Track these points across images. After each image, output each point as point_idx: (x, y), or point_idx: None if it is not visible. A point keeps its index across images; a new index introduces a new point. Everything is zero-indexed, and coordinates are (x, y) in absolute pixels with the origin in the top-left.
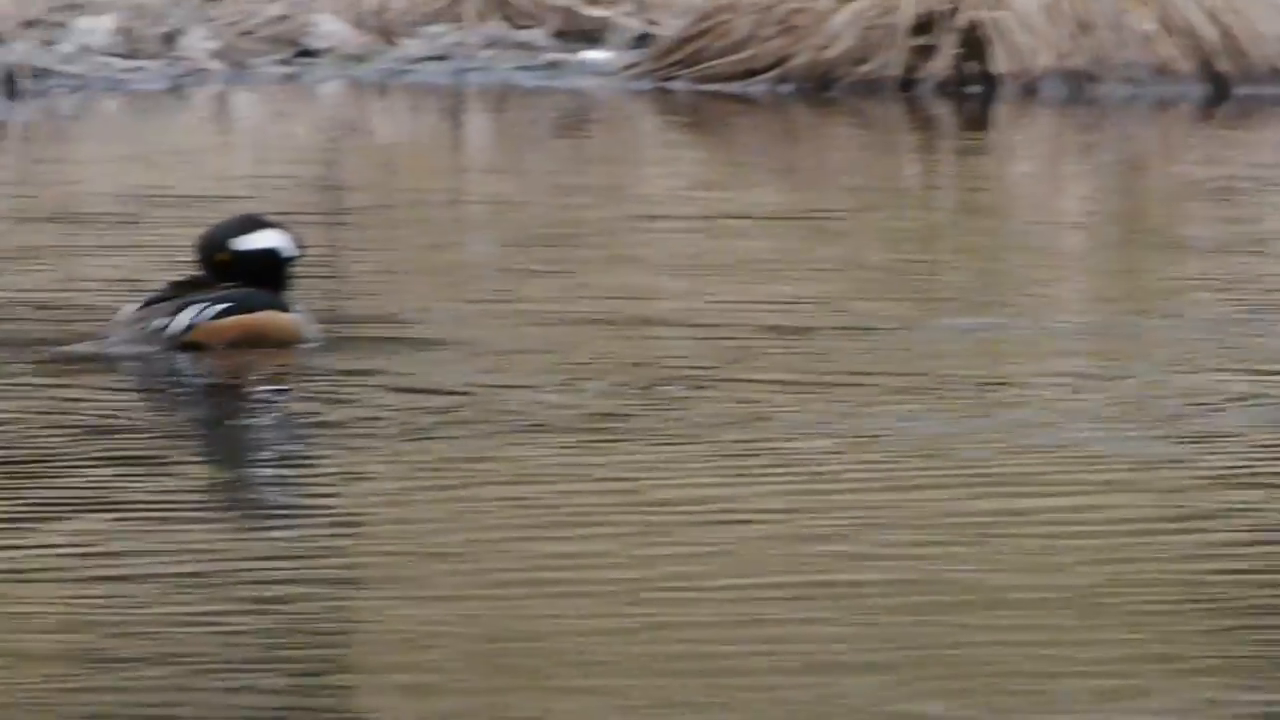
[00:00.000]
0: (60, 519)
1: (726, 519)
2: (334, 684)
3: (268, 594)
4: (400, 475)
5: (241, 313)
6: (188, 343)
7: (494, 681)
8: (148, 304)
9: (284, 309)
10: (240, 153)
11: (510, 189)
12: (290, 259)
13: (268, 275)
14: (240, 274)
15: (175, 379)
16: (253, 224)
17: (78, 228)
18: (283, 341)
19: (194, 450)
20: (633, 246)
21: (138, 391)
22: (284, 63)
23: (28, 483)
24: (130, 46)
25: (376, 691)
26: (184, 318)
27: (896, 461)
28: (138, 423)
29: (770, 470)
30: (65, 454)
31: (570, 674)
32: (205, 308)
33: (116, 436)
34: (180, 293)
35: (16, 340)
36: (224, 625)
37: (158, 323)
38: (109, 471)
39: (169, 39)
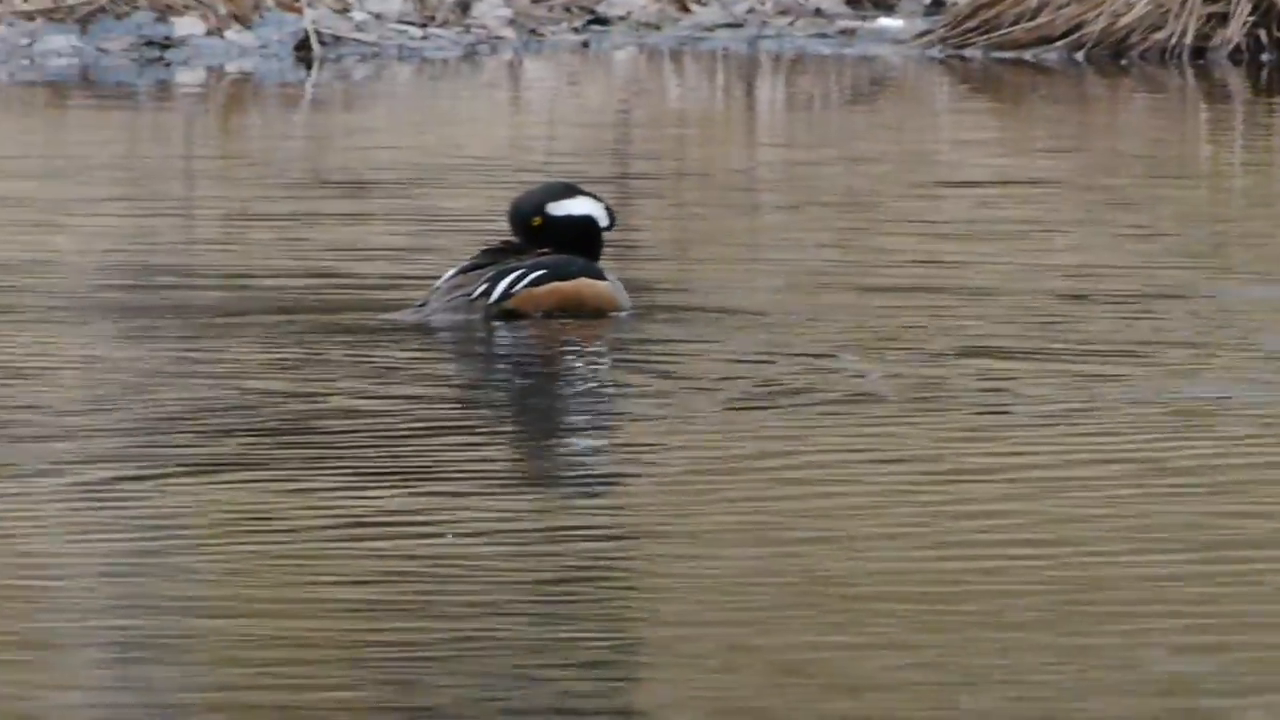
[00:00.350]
0: (385, 486)
1: (1063, 489)
2: (657, 636)
3: (592, 556)
4: (721, 443)
5: (557, 280)
6: (505, 310)
7: (804, 637)
8: (463, 271)
9: (599, 276)
10: (532, 120)
11: (803, 156)
12: (604, 228)
13: (581, 242)
14: (553, 239)
15: (494, 346)
16: (567, 191)
17: (368, 195)
18: (599, 309)
19: (515, 418)
20: (926, 213)
21: (457, 359)
22: (577, 30)
23: (350, 449)
24: (424, 14)
25: (697, 640)
26: (501, 285)
27: (1231, 430)
28: (458, 391)
29: (1096, 439)
30: (387, 422)
31: (882, 627)
32: (522, 275)
33: (437, 405)
34: (495, 260)
35: (329, 308)
36: (541, 583)
37: (475, 289)
38: (432, 440)
39: (463, 7)
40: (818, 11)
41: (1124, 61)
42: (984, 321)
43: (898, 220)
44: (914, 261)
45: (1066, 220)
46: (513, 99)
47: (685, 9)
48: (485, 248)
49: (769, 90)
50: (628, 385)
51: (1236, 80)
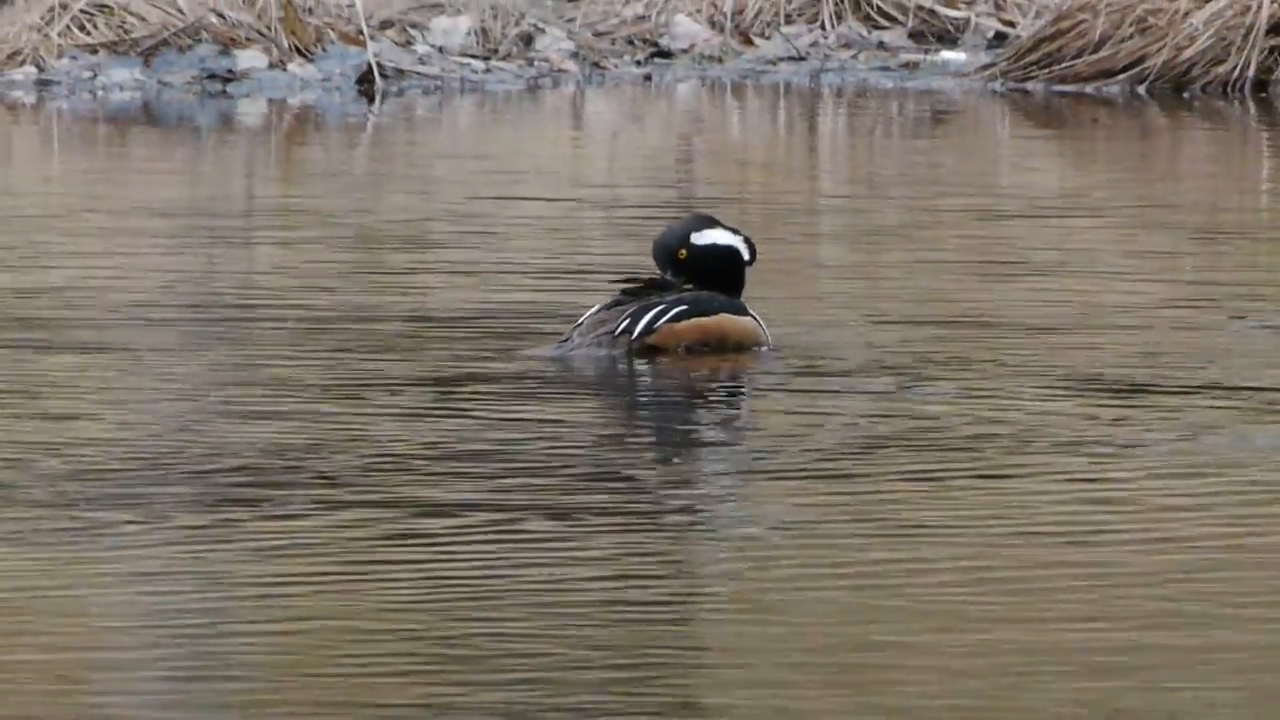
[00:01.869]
0: (520, 521)
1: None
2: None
3: (746, 596)
4: (844, 491)
5: (699, 315)
6: (647, 345)
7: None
8: (606, 307)
9: (741, 312)
10: (595, 156)
11: (864, 190)
12: (746, 261)
13: (725, 274)
14: (698, 270)
15: (634, 382)
16: (709, 223)
17: (431, 237)
18: (740, 345)
19: (650, 458)
20: (991, 247)
21: (598, 395)
22: (639, 63)
23: (488, 488)
24: (487, 48)
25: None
26: (644, 321)
27: None
28: (595, 427)
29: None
30: (538, 461)
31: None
32: (664, 310)
33: (577, 446)
34: (637, 297)
35: (464, 345)
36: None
37: (618, 325)
38: (565, 476)
39: (526, 40)
40: (880, 45)
41: (1186, 95)
42: (1099, 357)
43: (963, 255)
44: (986, 300)
45: (1134, 252)
46: (575, 133)
47: (748, 42)
48: (627, 285)
49: (832, 123)
50: (761, 427)
51: None
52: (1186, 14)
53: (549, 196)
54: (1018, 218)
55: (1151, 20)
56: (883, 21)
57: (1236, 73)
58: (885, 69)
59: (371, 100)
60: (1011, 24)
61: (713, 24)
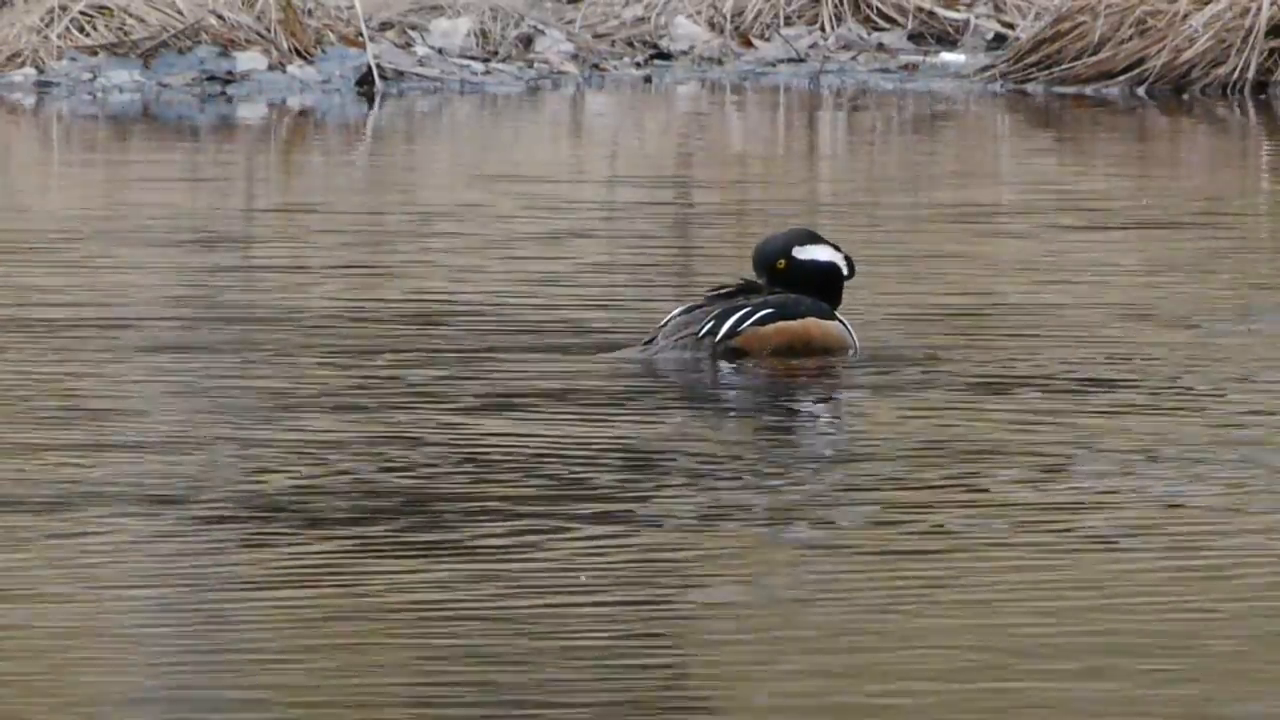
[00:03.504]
0: (594, 525)
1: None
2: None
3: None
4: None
5: (784, 319)
6: (732, 349)
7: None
8: (690, 310)
9: (828, 316)
10: (596, 157)
11: (862, 192)
12: (845, 277)
13: (823, 289)
14: (796, 283)
15: (717, 385)
16: (812, 238)
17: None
18: (827, 349)
19: (730, 463)
20: (979, 246)
21: (680, 398)
22: (639, 65)
23: (565, 492)
24: (486, 49)
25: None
26: (728, 324)
27: None
28: (674, 431)
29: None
30: (605, 467)
31: None
32: (749, 314)
33: (658, 453)
34: (723, 299)
35: (547, 345)
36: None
37: (702, 328)
38: (649, 484)
39: (525, 42)
40: (880, 46)
41: (1185, 96)
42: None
43: (964, 261)
44: (966, 293)
45: (1124, 256)
46: (574, 136)
47: (748, 44)
48: (714, 289)
49: (830, 125)
50: (839, 432)
51: None
52: (1186, 16)
53: (550, 199)
54: (993, 218)
55: (1151, 22)
56: (882, 23)
57: (1236, 74)
58: (885, 71)
59: (371, 102)
60: (1011, 26)
61: (712, 26)
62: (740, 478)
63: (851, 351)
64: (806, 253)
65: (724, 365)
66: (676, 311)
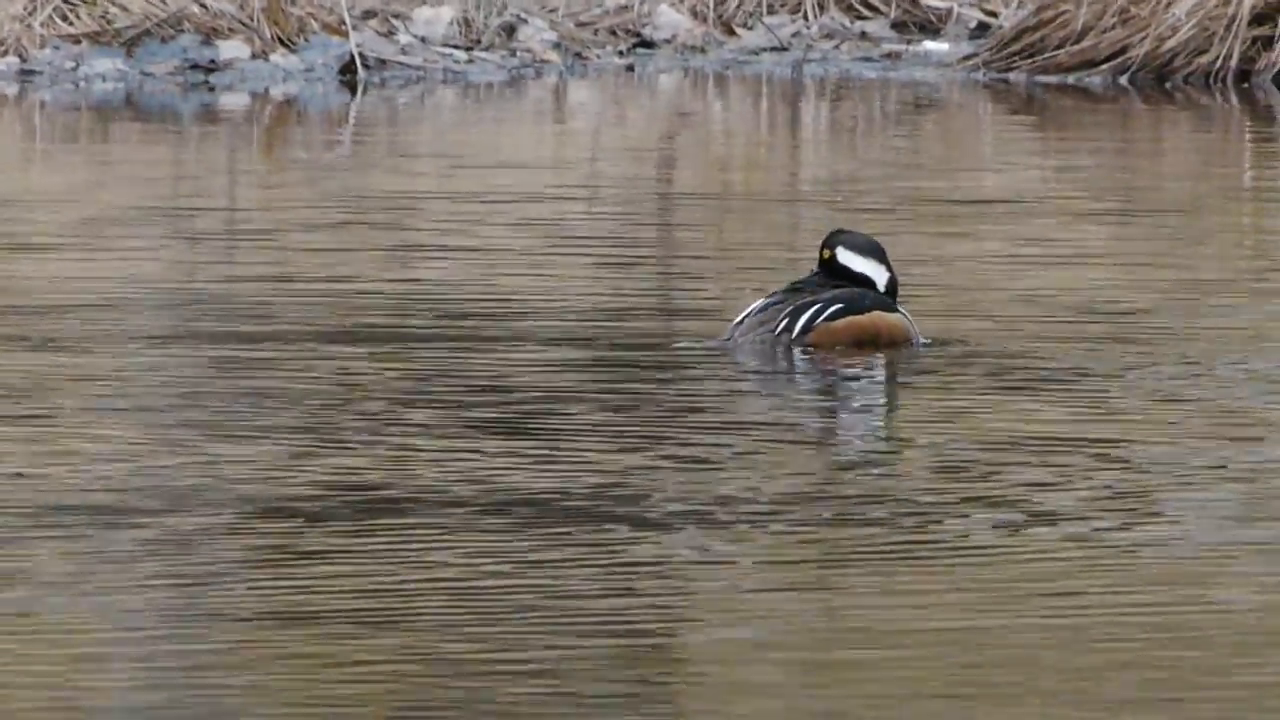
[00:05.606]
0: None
1: None
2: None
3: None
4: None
5: (852, 314)
6: (807, 344)
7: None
8: (765, 307)
9: (891, 309)
10: (577, 147)
11: (845, 182)
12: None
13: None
14: (834, 276)
15: (794, 382)
16: (871, 250)
17: (410, 230)
18: (893, 341)
19: (799, 458)
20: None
21: (757, 395)
22: (622, 54)
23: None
24: (469, 38)
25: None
26: (802, 320)
27: None
28: (751, 427)
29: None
30: (683, 457)
31: None
32: (820, 309)
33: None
34: (796, 292)
35: (624, 340)
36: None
37: (778, 325)
38: (716, 480)
39: (508, 31)
40: (863, 35)
41: (1168, 85)
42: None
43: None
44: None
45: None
46: (557, 124)
47: (730, 32)
48: (791, 283)
49: (813, 114)
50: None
51: None
52: (1169, 4)
53: (532, 187)
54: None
55: (1134, 10)
56: (865, 12)
57: (1219, 63)
58: (868, 59)
59: (354, 91)
60: (994, 14)
61: (695, 14)
62: (800, 479)
63: (915, 343)
64: (848, 258)
65: (799, 361)
66: (754, 305)
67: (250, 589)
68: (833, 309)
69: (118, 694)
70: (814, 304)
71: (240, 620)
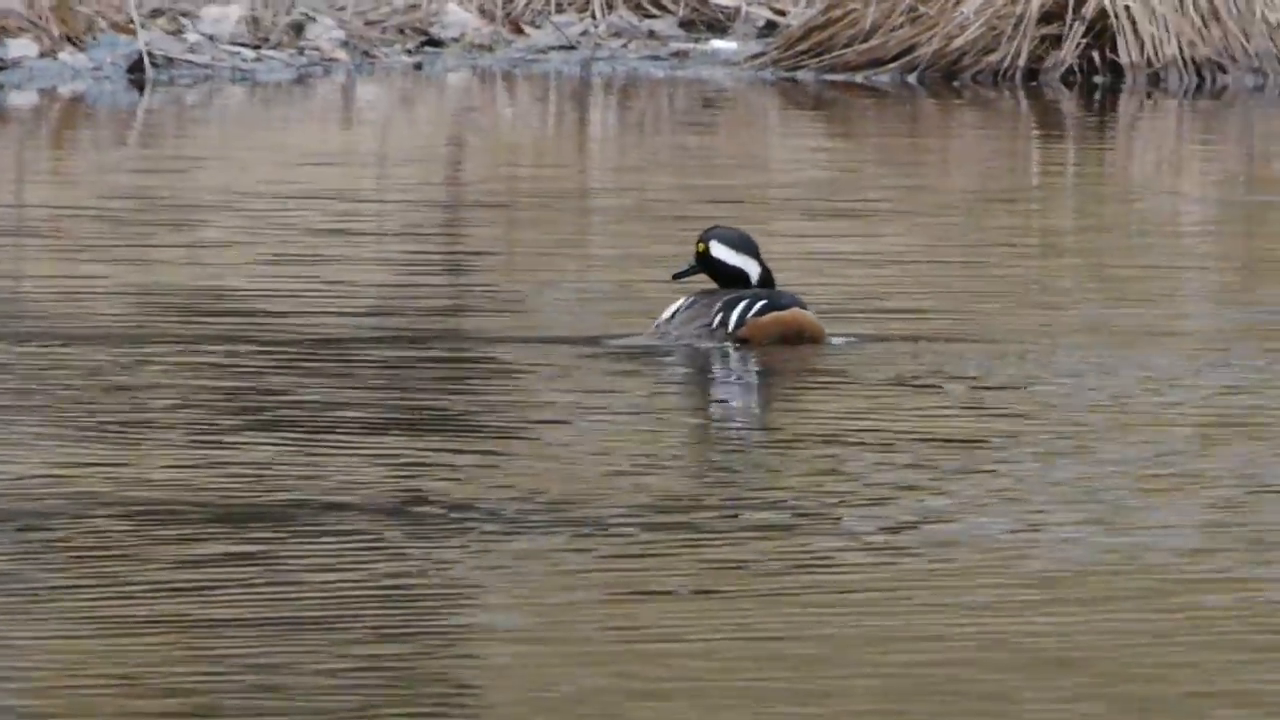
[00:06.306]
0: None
1: None
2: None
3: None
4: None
5: (775, 310)
6: (739, 338)
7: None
8: (693, 303)
9: (803, 307)
10: (365, 146)
11: (632, 181)
12: (750, 283)
13: (730, 284)
14: (708, 272)
15: (730, 373)
16: (743, 244)
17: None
18: (814, 338)
19: (736, 457)
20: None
21: (697, 386)
22: (410, 52)
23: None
24: (257, 36)
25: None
26: (735, 313)
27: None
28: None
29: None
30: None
31: None
32: (749, 304)
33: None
34: (714, 293)
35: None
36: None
37: (713, 320)
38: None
39: (296, 29)
40: (651, 34)
41: (957, 83)
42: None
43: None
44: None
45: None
46: (345, 123)
47: (519, 31)
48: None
49: (602, 113)
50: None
51: (1069, 102)
52: (957, 3)
53: (320, 185)
54: (770, 210)
55: (922, 9)
56: (653, 10)
57: (1007, 62)
58: (656, 58)
59: (142, 89)
60: (782, 13)
61: (483, 13)
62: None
63: (831, 340)
64: (728, 256)
65: (733, 354)
66: (680, 302)
67: None
68: (760, 304)
69: None
70: (743, 298)
71: None
